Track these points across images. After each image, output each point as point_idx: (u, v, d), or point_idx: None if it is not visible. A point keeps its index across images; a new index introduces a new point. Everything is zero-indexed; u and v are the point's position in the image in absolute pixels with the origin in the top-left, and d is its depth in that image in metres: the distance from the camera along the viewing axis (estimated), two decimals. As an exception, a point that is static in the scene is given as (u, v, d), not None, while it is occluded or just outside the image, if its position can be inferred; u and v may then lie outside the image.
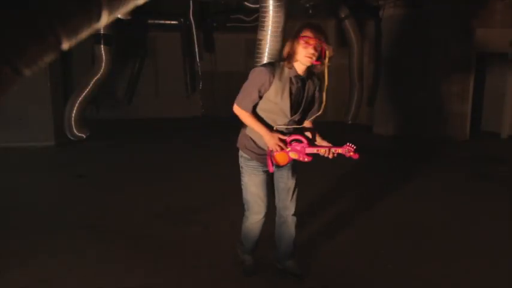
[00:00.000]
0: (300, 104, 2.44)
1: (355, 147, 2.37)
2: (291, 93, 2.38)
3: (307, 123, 2.61)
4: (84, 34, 1.15)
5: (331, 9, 9.52)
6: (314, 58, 2.29)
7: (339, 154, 2.40)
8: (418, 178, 5.64)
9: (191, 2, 10.19)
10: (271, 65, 2.41)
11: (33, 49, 1.05)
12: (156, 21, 10.90)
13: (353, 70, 9.94)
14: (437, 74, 8.71)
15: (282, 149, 2.41)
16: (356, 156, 2.38)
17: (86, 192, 4.90)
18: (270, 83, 2.34)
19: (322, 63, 2.34)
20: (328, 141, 2.52)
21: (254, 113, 2.45)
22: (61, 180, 5.50)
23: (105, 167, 6.30)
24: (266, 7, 5.41)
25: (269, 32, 5.45)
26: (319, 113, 2.57)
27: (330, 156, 2.39)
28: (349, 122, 10.17)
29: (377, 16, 9.39)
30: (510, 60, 8.64)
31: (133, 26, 10.11)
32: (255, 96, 2.38)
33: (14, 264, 2.96)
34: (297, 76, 2.39)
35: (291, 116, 2.43)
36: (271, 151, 2.44)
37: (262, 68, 2.40)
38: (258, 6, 5.97)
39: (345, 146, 2.38)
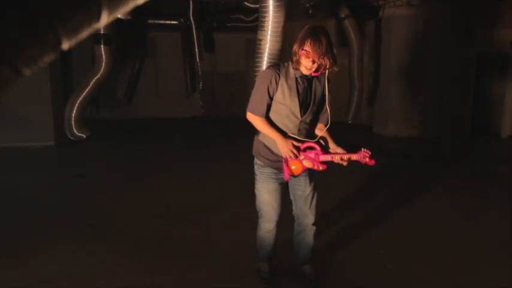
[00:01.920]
0: (308, 104, 2.41)
1: (370, 153, 2.31)
2: (298, 93, 2.36)
3: (320, 127, 2.54)
4: (84, 34, 1.15)
5: (331, 9, 9.51)
6: (313, 70, 2.28)
7: (354, 161, 2.34)
8: (418, 178, 5.64)
9: (191, 2, 10.20)
10: (277, 66, 2.40)
11: (33, 49, 1.05)
12: (156, 21, 10.90)
13: (353, 70, 9.94)
14: (437, 74, 8.71)
15: (295, 156, 2.37)
16: (372, 163, 2.31)
17: (86, 192, 4.90)
18: (277, 83, 2.33)
19: (322, 74, 2.33)
20: (343, 148, 2.45)
21: (268, 119, 2.41)
22: (61, 180, 5.50)
23: (105, 167, 6.30)
24: (266, 7, 5.42)
25: (269, 32, 5.45)
26: (328, 123, 2.51)
27: (345, 163, 2.35)
28: (349, 122, 10.17)
29: (377, 16, 9.39)
30: (510, 60, 8.65)
31: (133, 26, 10.12)
32: (267, 98, 2.35)
33: (14, 264, 2.96)
34: (303, 76, 2.36)
35: (301, 116, 2.39)
36: (286, 159, 2.39)
37: (267, 69, 2.40)
38: (258, 6, 5.98)
39: (359, 152, 2.32)
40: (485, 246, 3.41)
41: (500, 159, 6.89)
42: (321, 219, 3.94)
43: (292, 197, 2.65)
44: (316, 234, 2.70)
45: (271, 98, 2.37)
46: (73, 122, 8.02)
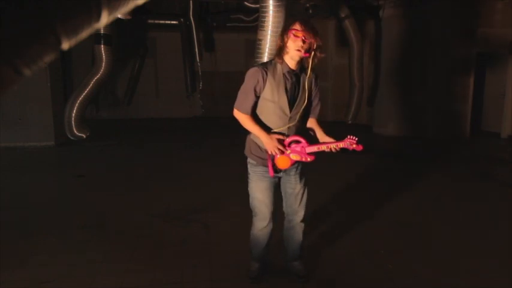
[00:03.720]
0: (296, 99, 2.43)
1: (357, 139, 2.31)
2: (286, 89, 2.38)
3: (312, 121, 2.59)
4: (84, 34, 1.15)
5: (331, 9, 9.52)
6: (303, 50, 2.30)
7: (342, 148, 2.36)
8: (418, 178, 5.64)
9: (191, 2, 10.20)
10: (264, 64, 2.44)
11: (33, 49, 1.05)
12: (156, 21, 10.91)
13: (353, 70, 9.94)
14: (437, 74, 8.71)
15: (282, 152, 2.39)
16: (360, 148, 2.33)
17: (86, 192, 4.90)
18: (264, 81, 2.36)
19: (311, 56, 2.34)
20: (332, 137, 2.48)
21: (254, 117, 2.44)
22: (61, 180, 5.50)
23: (105, 167, 6.30)
24: (266, 7, 5.41)
25: (269, 32, 5.45)
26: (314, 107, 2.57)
27: (333, 150, 2.36)
28: (349, 122, 10.17)
29: (377, 16, 9.39)
30: (510, 60, 8.64)
31: (133, 26, 10.12)
32: (252, 96, 2.38)
33: (14, 264, 2.96)
34: (290, 71, 2.39)
35: (290, 112, 2.41)
36: (271, 155, 2.41)
37: (255, 67, 2.42)
38: (258, 6, 5.98)
39: (346, 139, 2.34)
40: (485, 247, 3.41)
41: (500, 160, 6.89)
42: (320, 220, 3.94)
43: (283, 194, 2.67)
44: (306, 232, 2.72)
45: (257, 96, 2.40)
46: (73, 122, 8.02)
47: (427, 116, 8.86)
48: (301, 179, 2.60)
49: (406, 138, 8.75)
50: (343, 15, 9.43)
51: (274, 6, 5.38)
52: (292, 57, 2.34)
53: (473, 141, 8.58)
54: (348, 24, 9.54)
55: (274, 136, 2.40)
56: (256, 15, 7.08)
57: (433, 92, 8.78)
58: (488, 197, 4.85)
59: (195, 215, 4.00)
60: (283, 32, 2.36)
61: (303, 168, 2.61)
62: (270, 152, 2.41)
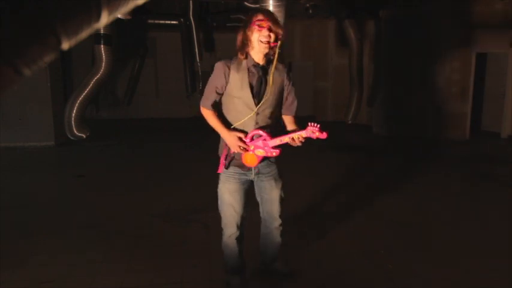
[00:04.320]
0: (263, 94, 2.30)
1: (319, 125, 2.18)
2: (251, 84, 2.28)
3: (290, 120, 2.46)
4: (84, 34, 1.15)
5: (331, 9, 9.52)
6: (271, 40, 2.19)
7: (307, 138, 2.23)
8: (418, 178, 5.64)
9: (191, 2, 10.19)
10: (229, 59, 2.34)
11: (33, 49, 1.05)
12: (156, 21, 10.90)
13: (353, 70, 9.93)
14: (437, 74, 8.71)
15: (244, 149, 2.28)
16: (324, 136, 2.19)
17: (86, 192, 4.90)
18: (226, 75, 2.27)
19: (278, 46, 2.23)
20: (300, 128, 2.32)
21: (220, 115, 2.35)
22: (61, 180, 5.50)
23: (105, 167, 6.30)
24: (266, 7, 5.42)
25: (269, 32, 5.45)
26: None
27: (297, 142, 2.23)
28: (349, 122, 10.17)
29: (377, 16, 9.39)
30: (510, 60, 8.64)
31: (133, 26, 10.12)
32: (213, 91, 2.30)
33: (14, 264, 2.96)
34: (256, 65, 2.28)
35: (256, 107, 2.28)
36: (228, 153, 2.32)
37: (218, 63, 2.33)
38: (257, 6, 5.98)
39: (307, 127, 2.21)
40: (485, 247, 3.41)
41: (500, 160, 6.89)
42: (320, 220, 3.95)
43: (258, 200, 2.56)
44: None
45: (219, 93, 2.31)
46: (73, 122, 8.01)
47: (427, 116, 8.86)
48: (277, 184, 2.48)
49: (406, 138, 8.75)
50: (343, 15, 9.43)
51: (274, 6, 5.39)
52: (260, 50, 2.23)
53: (473, 141, 8.58)
54: (348, 24, 9.54)
55: (235, 133, 2.29)
56: (256, 15, 7.09)
57: (433, 92, 8.77)
58: (488, 197, 4.85)
59: (195, 215, 4.00)
60: (245, 26, 2.24)
61: (279, 173, 2.49)
62: (232, 150, 2.32)
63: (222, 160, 2.37)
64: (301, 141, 2.24)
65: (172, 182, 5.31)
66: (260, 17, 2.20)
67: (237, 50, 2.30)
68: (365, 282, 2.81)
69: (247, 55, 2.28)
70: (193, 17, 10.54)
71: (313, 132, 2.18)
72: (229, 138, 2.30)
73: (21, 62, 1.03)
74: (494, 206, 4.49)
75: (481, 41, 8.45)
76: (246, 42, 2.24)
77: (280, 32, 2.21)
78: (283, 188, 2.53)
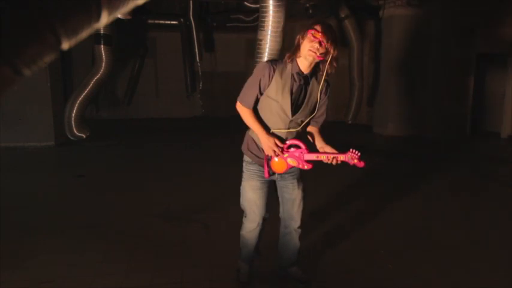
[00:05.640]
0: (301, 103, 2.32)
1: (359, 154, 2.18)
2: (292, 91, 2.28)
3: (313, 129, 2.47)
4: (84, 34, 1.15)
5: (331, 9, 9.52)
6: (318, 53, 2.17)
7: (342, 162, 2.24)
8: (418, 178, 5.64)
9: (191, 2, 10.20)
10: (275, 61, 2.35)
11: (33, 49, 1.05)
12: (156, 21, 10.91)
13: (353, 70, 9.95)
14: (437, 74, 8.72)
15: (277, 154, 2.29)
16: (361, 165, 2.19)
17: (86, 192, 4.90)
18: (270, 77, 2.26)
19: (326, 61, 2.23)
20: (332, 147, 2.36)
21: (256, 113, 2.36)
22: (61, 180, 5.50)
23: (105, 167, 6.30)
24: (266, 7, 5.42)
25: (269, 32, 5.45)
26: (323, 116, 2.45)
27: (334, 163, 2.25)
28: (349, 122, 10.18)
29: (377, 16, 9.40)
30: (510, 60, 8.64)
31: (133, 26, 10.12)
32: (256, 90, 2.30)
33: (14, 264, 2.96)
34: (300, 73, 2.28)
35: (292, 115, 2.30)
36: (268, 156, 2.33)
37: (264, 62, 2.34)
38: (258, 6, 5.98)
39: (348, 152, 2.20)
40: (485, 246, 3.42)
41: (500, 160, 6.89)
42: (320, 220, 3.94)
43: (280, 200, 2.58)
44: (302, 237, 2.66)
45: (261, 92, 2.31)
46: (73, 122, 8.02)
47: (427, 116, 8.86)
48: (299, 184, 2.50)
49: (406, 138, 8.75)
50: (343, 15, 9.44)
51: (274, 6, 5.38)
52: (305, 57, 2.22)
53: (473, 141, 8.58)
54: (348, 24, 9.55)
55: (273, 138, 2.30)
56: (256, 15, 7.09)
57: (433, 92, 8.78)
58: (489, 197, 4.85)
59: (195, 215, 4.00)
60: (303, 32, 2.24)
61: (301, 174, 2.51)
62: (266, 153, 2.33)
63: (265, 166, 2.36)
64: (336, 163, 2.26)
65: (172, 182, 5.31)
66: (318, 27, 2.19)
67: (289, 53, 2.29)
68: (365, 282, 2.81)
69: (293, 60, 2.28)
70: (193, 17, 10.55)
71: (352, 158, 2.18)
72: (267, 141, 2.30)
73: (21, 62, 1.03)
74: (495, 206, 4.49)
75: (481, 41, 8.46)
76: (297, 47, 2.25)
77: (331, 49, 2.19)
78: (305, 192, 2.54)
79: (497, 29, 8.37)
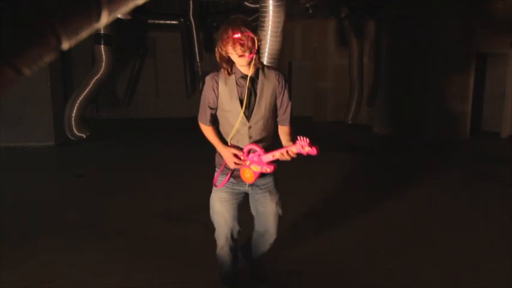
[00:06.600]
0: (253, 106, 2.19)
1: (308, 141, 2.01)
2: (241, 96, 2.17)
3: (285, 130, 2.29)
4: (84, 34, 1.15)
5: (331, 9, 9.52)
6: (247, 53, 2.04)
7: (298, 154, 2.09)
8: (418, 178, 5.64)
9: (191, 2, 10.19)
10: (217, 73, 2.23)
11: (33, 49, 1.05)
12: (156, 21, 10.90)
13: (353, 70, 9.94)
14: (437, 74, 8.71)
15: (238, 163, 2.19)
16: (314, 152, 2.01)
17: (86, 192, 4.90)
18: (215, 90, 2.18)
19: (257, 54, 2.10)
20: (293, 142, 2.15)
21: (217, 130, 2.29)
22: (61, 180, 5.50)
23: (105, 167, 6.30)
24: (266, 7, 5.41)
25: (269, 32, 5.45)
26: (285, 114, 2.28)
27: (288, 158, 2.10)
28: (349, 122, 10.17)
29: (377, 16, 9.39)
30: (510, 60, 8.64)
31: (133, 26, 10.12)
32: (206, 106, 2.23)
33: (14, 264, 2.96)
34: (244, 77, 2.16)
35: (248, 120, 2.18)
36: (233, 170, 2.23)
37: (207, 77, 2.25)
38: (258, 6, 5.98)
39: (296, 141, 2.04)
40: (485, 246, 3.41)
41: (500, 160, 6.89)
42: (320, 220, 3.94)
43: (254, 213, 2.43)
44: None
45: (211, 107, 2.22)
46: (73, 122, 8.02)
47: (427, 116, 8.86)
48: (272, 197, 2.34)
49: (406, 138, 8.75)
50: (343, 15, 9.43)
51: (274, 6, 5.38)
52: (239, 63, 2.12)
53: (473, 141, 8.58)
54: (348, 24, 9.54)
55: (230, 149, 2.20)
56: (256, 15, 7.08)
57: (433, 92, 8.77)
58: (488, 197, 4.85)
59: (195, 215, 3.99)
60: (219, 44, 2.11)
61: (276, 185, 2.36)
62: (231, 167, 2.23)
63: (217, 175, 2.32)
64: (291, 156, 2.10)
65: (172, 182, 5.31)
66: (229, 32, 2.04)
67: (223, 67, 2.17)
68: (365, 282, 2.81)
69: (231, 69, 2.17)
70: (193, 17, 10.54)
71: (302, 147, 2.03)
72: (226, 154, 2.22)
73: (21, 62, 1.03)
74: (494, 206, 4.49)
75: (481, 41, 8.45)
76: (224, 58, 2.13)
77: (252, 38, 2.04)
78: (280, 202, 2.38)
79: (497, 29, 8.36)
